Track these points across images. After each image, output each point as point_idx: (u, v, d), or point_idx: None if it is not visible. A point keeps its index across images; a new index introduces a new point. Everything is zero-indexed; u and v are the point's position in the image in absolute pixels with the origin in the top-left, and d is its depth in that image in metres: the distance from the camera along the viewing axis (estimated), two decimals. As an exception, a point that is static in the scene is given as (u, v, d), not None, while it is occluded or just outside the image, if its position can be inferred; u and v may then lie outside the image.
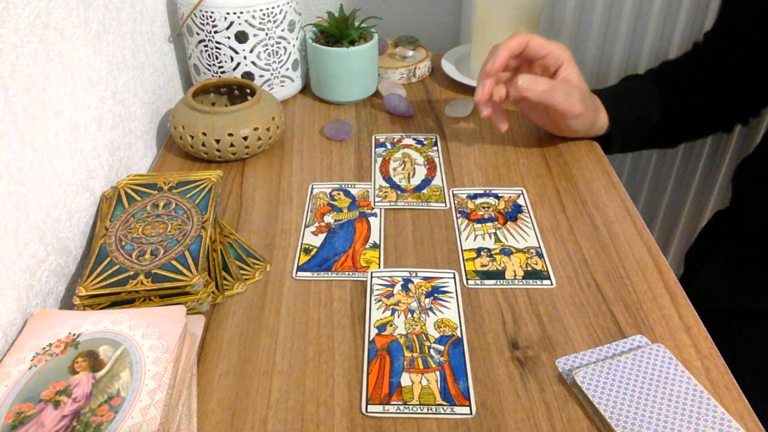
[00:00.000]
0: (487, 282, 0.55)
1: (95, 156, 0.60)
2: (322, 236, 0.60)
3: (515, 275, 0.56)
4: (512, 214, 0.63)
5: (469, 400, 0.45)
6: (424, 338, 0.50)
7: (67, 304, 0.54)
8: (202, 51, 0.77)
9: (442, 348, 0.49)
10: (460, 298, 0.53)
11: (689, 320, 0.51)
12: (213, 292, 0.52)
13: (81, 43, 0.57)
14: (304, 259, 0.58)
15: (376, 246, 0.59)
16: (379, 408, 0.45)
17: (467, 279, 0.55)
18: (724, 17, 0.73)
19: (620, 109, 0.71)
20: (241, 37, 0.75)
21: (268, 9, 0.74)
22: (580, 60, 1.00)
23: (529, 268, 0.56)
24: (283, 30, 0.77)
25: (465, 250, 0.58)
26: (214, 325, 0.51)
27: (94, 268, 0.51)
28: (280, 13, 0.75)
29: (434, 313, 0.52)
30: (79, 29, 0.57)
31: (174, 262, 0.51)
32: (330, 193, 0.66)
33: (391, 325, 0.51)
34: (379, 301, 0.53)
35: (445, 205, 0.64)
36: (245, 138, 0.68)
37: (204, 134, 0.67)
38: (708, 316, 0.53)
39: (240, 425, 0.44)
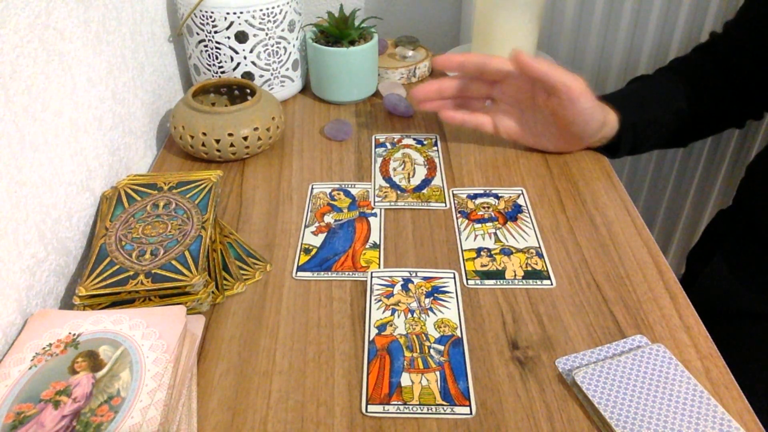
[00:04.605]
0: (487, 282, 0.55)
1: (95, 156, 0.60)
2: (322, 236, 0.60)
3: (515, 275, 0.56)
4: (512, 214, 0.63)
5: (469, 400, 0.45)
6: (424, 338, 0.50)
7: (67, 304, 0.54)
8: (202, 51, 0.77)
9: (442, 348, 0.49)
10: (460, 298, 0.53)
11: (689, 320, 0.51)
12: (213, 292, 0.52)
13: (81, 43, 0.57)
14: (304, 259, 0.58)
15: (376, 246, 0.59)
16: (379, 408, 0.45)
17: (467, 279, 0.55)
18: (750, 4, 0.71)
19: (629, 110, 0.68)
20: (241, 37, 0.75)
21: (268, 9, 0.74)
22: (580, 60, 1.00)
23: (529, 268, 0.56)
24: (283, 30, 0.77)
25: (465, 250, 0.58)
26: (214, 325, 0.51)
27: (94, 268, 0.51)
28: (280, 13, 0.75)
29: (434, 313, 0.52)
30: (79, 29, 0.57)
31: (174, 262, 0.51)
32: (330, 193, 0.66)
33: (391, 325, 0.51)
34: (379, 301, 0.53)
35: (445, 205, 0.64)
36: (245, 138, 0.68)
37: (204, 134, 0.67)
38: (710, 317, 0.53)
39: (240, 425, 0.44)
